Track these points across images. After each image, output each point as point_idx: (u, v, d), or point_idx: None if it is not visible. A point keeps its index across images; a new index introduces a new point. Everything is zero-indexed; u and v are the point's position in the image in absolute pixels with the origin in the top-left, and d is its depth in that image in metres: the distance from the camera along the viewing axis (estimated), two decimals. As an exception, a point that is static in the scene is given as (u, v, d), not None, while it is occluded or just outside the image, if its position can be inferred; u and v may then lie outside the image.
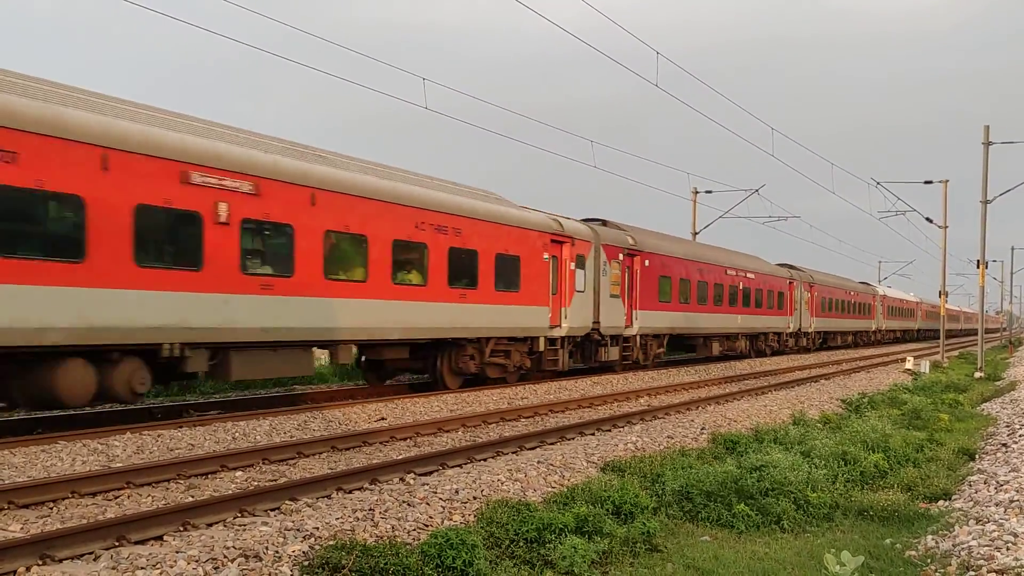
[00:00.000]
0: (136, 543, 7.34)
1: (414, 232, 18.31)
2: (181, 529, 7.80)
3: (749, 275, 38.34)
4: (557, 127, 46.10)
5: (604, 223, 27.28)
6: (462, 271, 19.73)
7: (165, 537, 7.55)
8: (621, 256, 26.32)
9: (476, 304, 20.15)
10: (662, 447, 12.68)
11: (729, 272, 35.62)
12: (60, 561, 6.75)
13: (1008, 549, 7.21)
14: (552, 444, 13.18)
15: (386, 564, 6.49)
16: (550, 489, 9.71)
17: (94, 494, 9.36)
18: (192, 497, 9.39)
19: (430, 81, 20.47)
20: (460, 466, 11.19)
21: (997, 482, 10.35)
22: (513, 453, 12.28)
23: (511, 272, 21.34)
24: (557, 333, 23.17)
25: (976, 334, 36.83)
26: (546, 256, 22.53)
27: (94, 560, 6.78)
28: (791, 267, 46.89)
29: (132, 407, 15.71)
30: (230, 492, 9.51)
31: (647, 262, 28.02)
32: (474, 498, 8.91)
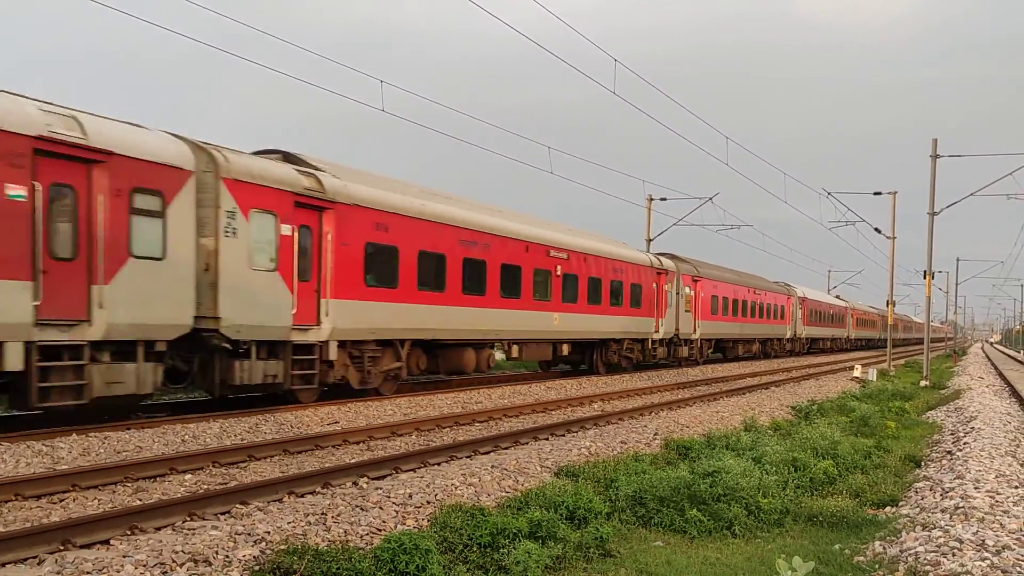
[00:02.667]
0: (82, 547, 7.21)
1: (599, 271, 28.72)
2: (128, 533, 7.66)
3: (761, 292, 48.56)
4: (514, 132, 46.13)
5: (676, 257, 37.13)
6: (618, 294, 30.30)
7: (112, 541, 7.41)
8: (691, 281, 36.82)
9: (624, 316, 30.78)
10: (616, 452, 12.73)
11: (750, 290, 45.94)
12: (3, 566, 6.59)
13: (954, 555, 7.33)
14: (506, 449, 13.17)
15: (338, 569, 6.43)
16: (504, 494, 9.70)
17: (38, 497, 9.17)
18: (140, 500, 9.23)
19: (387, 84, 20.37)
20: (414, 470, 11.14)
21: (943, 489, 10.54)
22: (467, 457, 12.25)
23: (638, 295, 31.87)
24: (656, 336, 33.72)
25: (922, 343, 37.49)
26: (653, 284, 33.05)
27: (38, 564, 6.63)
28: (787, 284, 56.10)
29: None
30: (179, 495, 9.37)
31: (705, 285, 38.58)
32: (428, 502, 8.87)
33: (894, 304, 45.07)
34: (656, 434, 14.65)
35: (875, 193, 41.71)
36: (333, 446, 13.09)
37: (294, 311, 16.33)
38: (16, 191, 11.98)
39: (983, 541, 7.64)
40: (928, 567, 7.13)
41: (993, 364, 56.40)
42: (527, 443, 13.80)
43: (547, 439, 14.27)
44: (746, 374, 33.86)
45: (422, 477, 10.27)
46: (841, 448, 13.38)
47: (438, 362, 21.84)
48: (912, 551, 7.72)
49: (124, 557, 6.57)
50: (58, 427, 12.83)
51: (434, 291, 20.35)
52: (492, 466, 10.91)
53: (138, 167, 13.57)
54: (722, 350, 43.83)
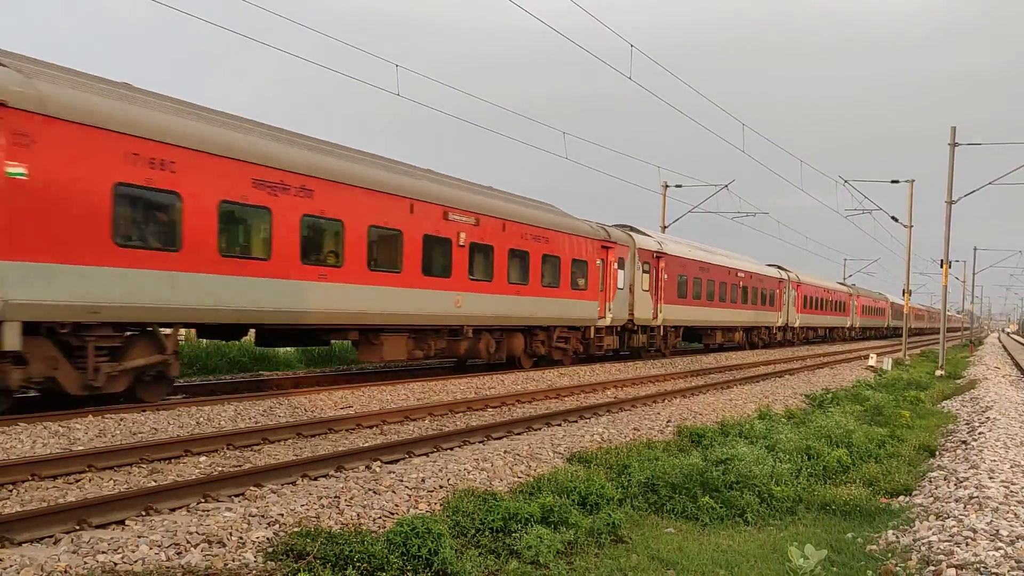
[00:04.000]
0: (97, 527, 7.26)
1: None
2: (143, 514, 7.72)
3: (831, 291, 60.35)
4: (530, 117, 46.17)
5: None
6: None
7: (127, 521, 7.47)
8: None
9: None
10: (628, 439, 12.73)
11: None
12: (19, 544, 6.66)
13: (967, 544, 7.31)
14: (519, 434, 13.18)
15: (351, 551, 6.45)
16: (516, 479, 9.71)
17: (55, 477, 9.25)
18: (155, 482, 9.29)
19: (403, 68, 20.32)
20: (427, 455, 11.16)
21: (957, 479, 10.50)
22: (480, 443, 12.27)
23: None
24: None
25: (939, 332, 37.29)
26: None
27: (54, 544, 6.69)
28: (849, 285, 68.50)
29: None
30: (194, 477, 9.42)
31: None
32: (440, 487, 8.89)
33: (910, 293, 44.83)
34: (669, 421, 14.64)
35: (892, 181, 41.44)
36: (347, 430, 13.14)
37: (652, 311, 30.84)
38: (597, 262, 27.09)
39: (997, 531, 7.61)
40: (941, 556, 7.10)
41: (1010, 354, 56.07)
42: (540, 429, 13.81)
43: (560, 425, 14.28)
44: (760, 362, 33.75)
45: (435, 462, 10.29)
46: (855, 437, 13.35)
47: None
48: (925, 540, 7.70)
49: (139, 537, 6.62)
50: (75, 409, 12.94)
51: None
52: (505, 451, 10.93)
53: (618, 248, 28.33)
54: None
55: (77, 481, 9.23)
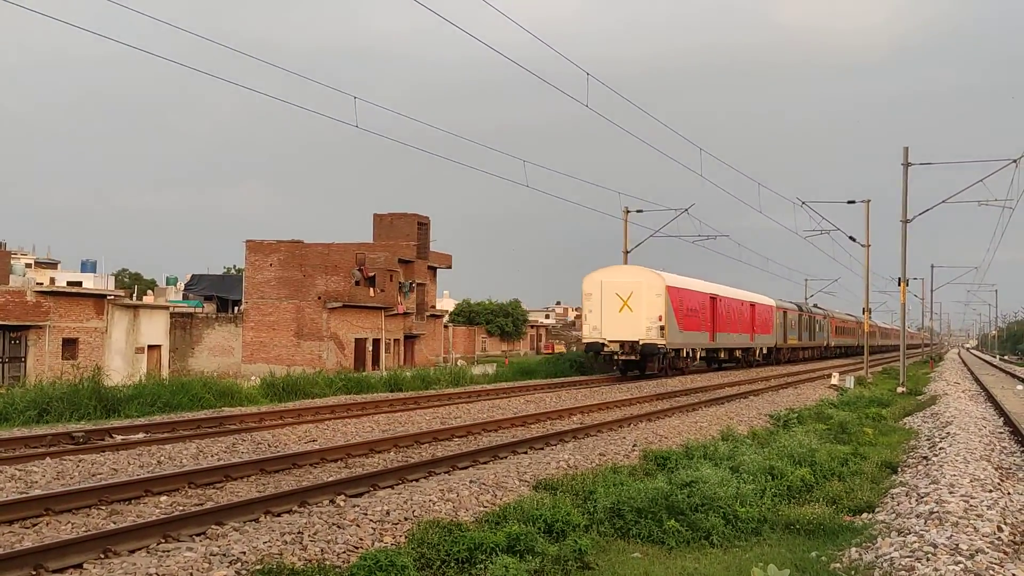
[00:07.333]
0: (54, 572, 7.13)
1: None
2: (102, 556, 7.58)
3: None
4: (489, 146, 46.43)
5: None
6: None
7: (85, 565, 7.33)
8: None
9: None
10: (594, 464, 12.74)
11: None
12: (-27, 592, 6.52)
13: (928, 560, 7.38)
14: (485, 463, 13.14)
15: (314, 588, 6.40)
16: (482, 509, 9.68)
17: (11, 522, 9.05)
18: (114, 523, 9.14)
19: (361, 100, 20.41)
20: (392, 487, 11.08)
21: (918, 494, 10.61)
22: (445, 473, 12.21)
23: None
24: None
25: (911, 349, 37.78)
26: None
27: (9, 590, 6.55)
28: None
29: (51, 432, 15.29)
30: (154, 517, 9.27)
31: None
32: (405, 519, 8.84)
33: (870, 312, 45.40)
34: (635, 445, 14.67)
35: (849, 202, 42.19)
36: (311, 464, 13.01)
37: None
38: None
39: (957, 545, 7.69)
40: (903, 572, 7.17)
41: (969, 369, 56.92)
42: (506, 457, 13.78)
43: (526, 453, 14.25)
44: (725, 384, 33.95)
45: (400, 494, 10.23)
46: (818, 455, 13.45)
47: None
48: (887, 557, 7.77)
49: (97, 581, 6.50)
50: (32, 451, 12.71)
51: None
52: (471, 481, 10.89)
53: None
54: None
55: (34, 525, 9.05)
